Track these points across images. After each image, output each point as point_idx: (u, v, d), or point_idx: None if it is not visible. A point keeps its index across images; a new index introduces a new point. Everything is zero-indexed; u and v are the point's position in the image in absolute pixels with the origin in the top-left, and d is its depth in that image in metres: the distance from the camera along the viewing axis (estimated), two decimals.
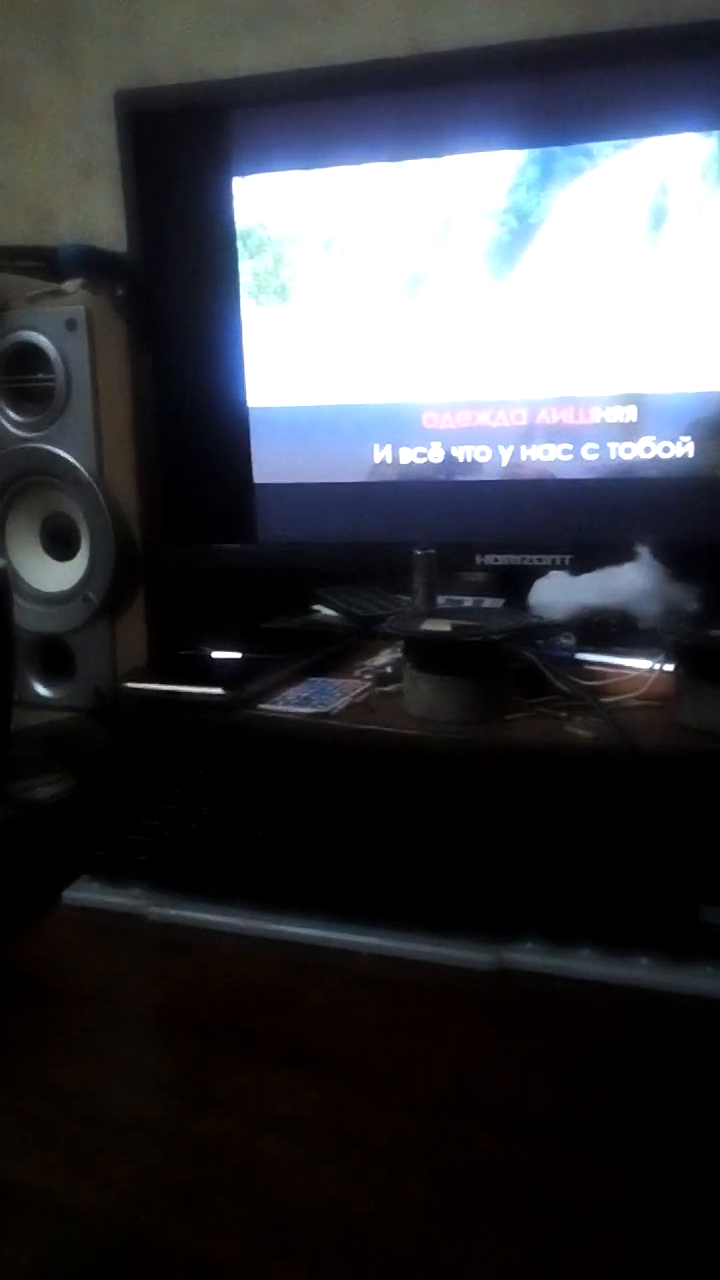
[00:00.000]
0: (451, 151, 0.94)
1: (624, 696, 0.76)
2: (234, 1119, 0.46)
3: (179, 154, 1.02)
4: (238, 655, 0.91)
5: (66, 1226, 0.41)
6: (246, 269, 1.02)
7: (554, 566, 0.93)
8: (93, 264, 1.00)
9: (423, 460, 1.00)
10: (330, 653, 0.91)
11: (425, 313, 0.98)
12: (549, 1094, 0.47)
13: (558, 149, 0.91)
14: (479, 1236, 0.39)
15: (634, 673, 0.78)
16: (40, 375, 0.95)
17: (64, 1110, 0.47)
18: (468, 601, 0.95)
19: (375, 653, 0.90)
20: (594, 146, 0.90)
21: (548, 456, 0.97)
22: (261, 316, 1.02)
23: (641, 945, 0.54)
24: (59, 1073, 0.50)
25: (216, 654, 0.92)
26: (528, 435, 0.97)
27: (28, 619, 0.97)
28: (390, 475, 1.02)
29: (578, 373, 0.95)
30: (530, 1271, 0.37)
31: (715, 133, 0.87)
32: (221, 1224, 0.40)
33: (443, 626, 0.77)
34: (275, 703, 0.79)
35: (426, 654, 0.76)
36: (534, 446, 0.97)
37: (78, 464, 0.94)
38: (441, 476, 1.00)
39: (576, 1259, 0.38)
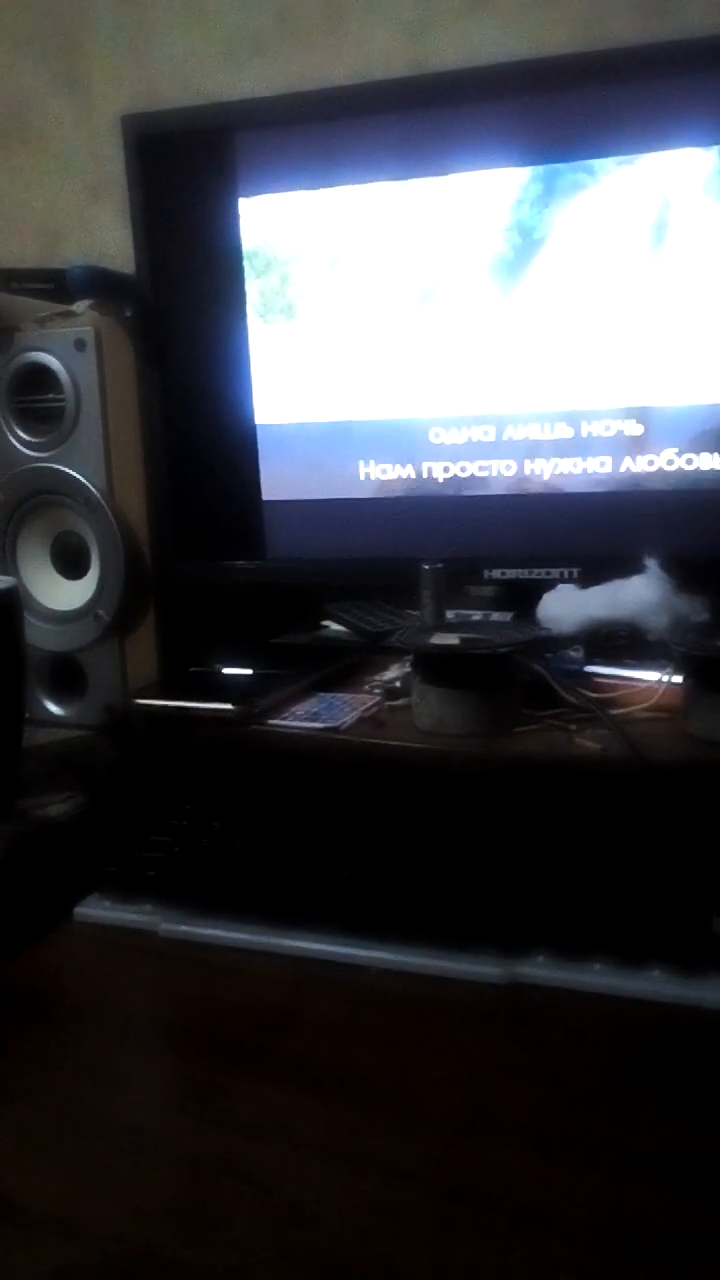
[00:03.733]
0: (455, 170, 0.95)
1: (633, 708, 0.76)
2: (243, 1135, 0.46)
3: (185, 175, 1.03)
4: (248, 671, 0.91)
5: (75, 1242, 0.41)
6: (253, 288, 1.02)
7: (562, 580, 0.93)
8: (101, 285, 1.01)
9: (430, 475, 1.01)
10: (339, 668, 0.91)
11: (431, 329, 0.98)
12: (560, 1109, 0.46)
13: (560, 165, 0.92)
14: (488, 1252, 0.39)
15: (643, 685, 0.78)
16: (50, 395, 0.96)
17: (73, 1126, 0.47)
18: (476, 616, 0.95)
19: (384, 667, 0.90)
20: (596, 163, 0.91)
21: (555, 470, 0.97)
22: (268, 335, 1.03)
23: (653, 958, 0.54)
24: (69, 1088, 0.50)
25: (226, 670, 0.92)
26: (534, 450, 0.97)
27: (39, 637, 0.97)
28: (398, 491, 1.02)
29: (584, 387, 0.95)
30: None
31: (716, 147, 0.88)
32: (230, 1240, 0.40)
33: (451, 640, 0.78)
34: (285, 718, 0.80)
35: (435, 668, 0.76)
36: (540, 461, 0.97)
37: (88, 483, 0.95)
38: (449, 491, 1.00)
39: (590, 1274, 0.38)
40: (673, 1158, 0.43)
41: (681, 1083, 0.48)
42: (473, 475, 0.99)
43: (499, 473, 0.99)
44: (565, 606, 0.87)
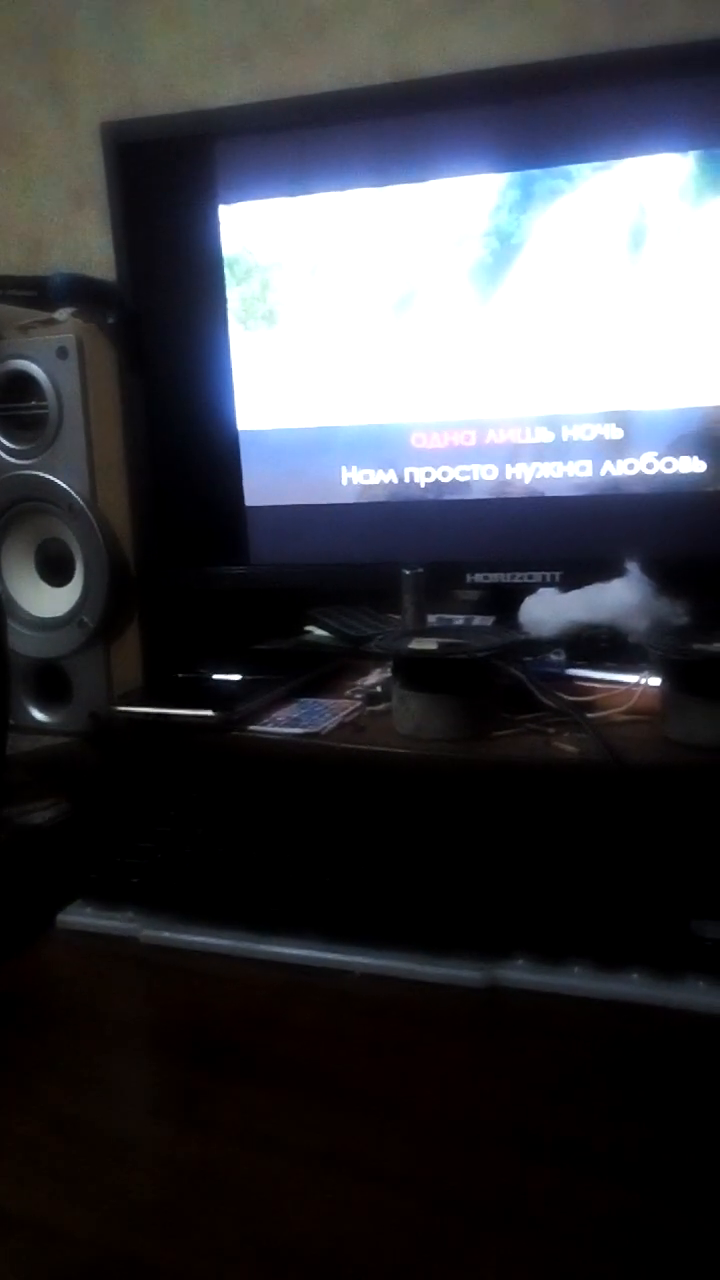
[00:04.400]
0: (434, 176, 0.95)
1: (611, 711, 0.76)
2: (226, 1141, 0.46)
3: (166, 183, 1.03)
4: (231, 677, 0.91)
5: (57, 1249, 0.41)
6: (234, 295, 1.03)
7: (543, 584, 0.93)
8: (83, 292, 1.01)
9: (412, 480, 1.01)
10: (321, 673, 0.91)
11: (411, 334, 0.99)
12: (541, 1112, 0.46)
13: (538, 171, 0.92)
14: (470, 1257, 0.39)
15: (622, 688, 0.78)
16: (33, 403, 0.96)
17: (55, 1133, 0.47)
18: (458, 620, 0.95)
19: (366, 672, 0.90)
20: (574, 168, 0.91)
21: (536, 475, 0.98)
22: (250, 341, 1.03)
23: (633, 960, 0.54)
24: (51, 1096, 0.50)
25: (210, 676, 0.92)
26: (515, 454, 0.98)
27: (23, 644, 0.98)
28: (380, 496, 1.02)
29: (564, 391, 0.96)
30: None
31: (693, 153, 0.88)
32: (212, 1246, 0.40)
33: (430, 645, 0.78)
34: (266, 724, 0.80)
35: (414, 673, 0.77)
36: (521, 465, 0.98)
37: (71, 490, 0.95)
38: (430, 496, 1.01)
39: (570, 1278, 0.38)
40: (654, 1160, 0.43)
41: (662, 1085, 0.48)
42: (454, 480, 1.00)
43: (480, 477, 0.99)
44: (547, 610, 0.88)
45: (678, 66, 0.88)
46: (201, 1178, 0.44)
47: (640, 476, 0.95)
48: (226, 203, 1.01)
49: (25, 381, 0.96)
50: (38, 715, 1.00)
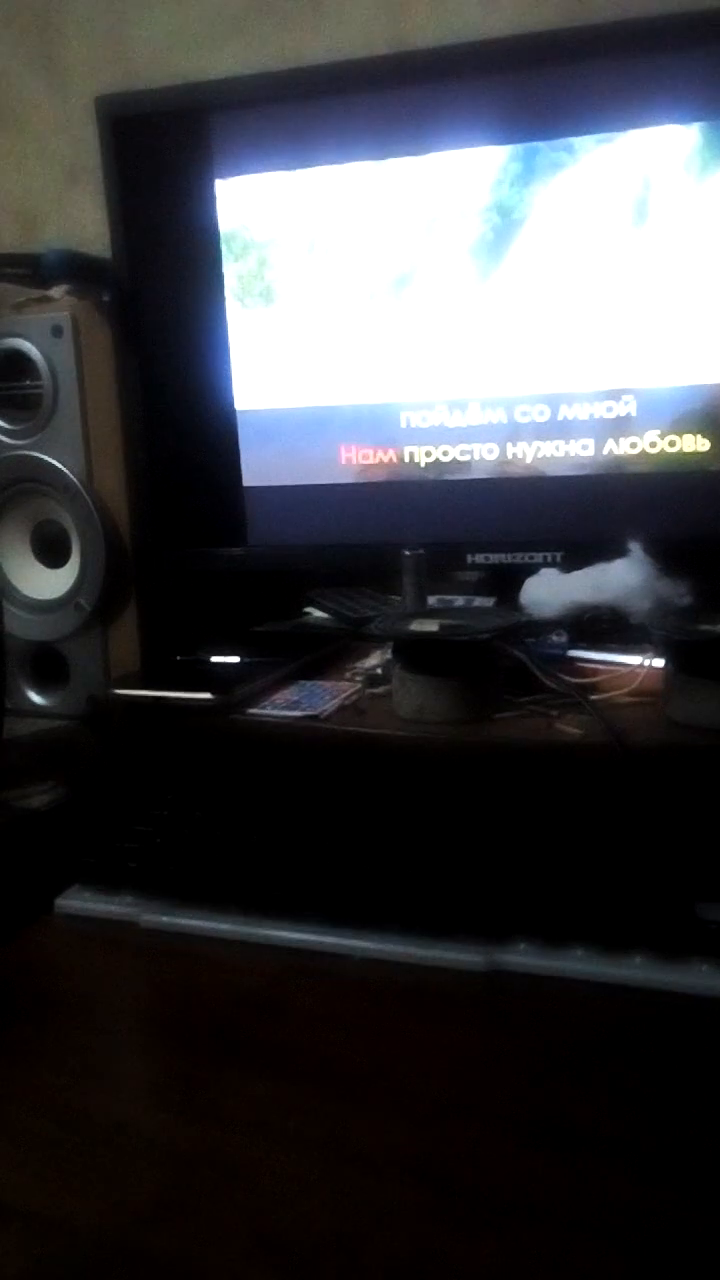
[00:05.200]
0: (434, 149, 0.94)
1: (614, 693, 0.75)
2: (225, 1127, 0.46)
3: (162, 157, 1.02)
4: (229, 659, 0.90)
5: (54, 1237, 0.40)
6: (231, 272, 1.02)
7: (545, 564, 0.93)
8: (78, 269, 1.00)
9: (411, 460, 1.00)
10: (321, 655, 0.91)
11: (412, 311, 0.97)
12: (544, 1097, 0.46)
13: (540, 144, 0.91)
14: (474, 1244, 0.39)
15: (625, 669, 0.78)
16: (27, 382, 0.95)
17: (54, 1119, 0.47)
18: (459, 601, 0.94)
19: (366, 654, 0.89)
20: (576, 141, 0.90)
21: (537, 454, 0.97)
22: (247, 319, 1.02)
23: (636, 944, 0.54)
24: (49, 1081, 0.50)
25: (208, 659, 0.92)
26: (516, 433, 0.97)
27: (19, 627, 0.97)
28: (380, 476, 1.01)
29: (566, 369, 0.94)
30: (526, 1277, 0.37)
31: (696, 124, 0.87)
32: (212, 1234, 0.40)
33: (430, 627, 0.77)
34: (265, 707, 0.79)
35: (415, 655, 0.76)
36: (523, 444, 0.97)
37: (67, 470, 0.94)
38: (431, 476, 1.00)
39: (572, 1264, 0.38)
40: (656, 1144, 0.43)
41: (665, 1069, 0.48)
42: (454, 459, 0.99)
43: (481, 457, 0.98)
44: (548, 591, 0.87)
45: (681, 37, 0.87)
46: (201, 1165, 0.43)
47: (643, 455, 0.94)
48: (223, 177, 1.00)
49: (19, 360, 0.95)
50: (35, 698, 1.00)
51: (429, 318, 0.97)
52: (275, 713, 0.78)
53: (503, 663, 0.76)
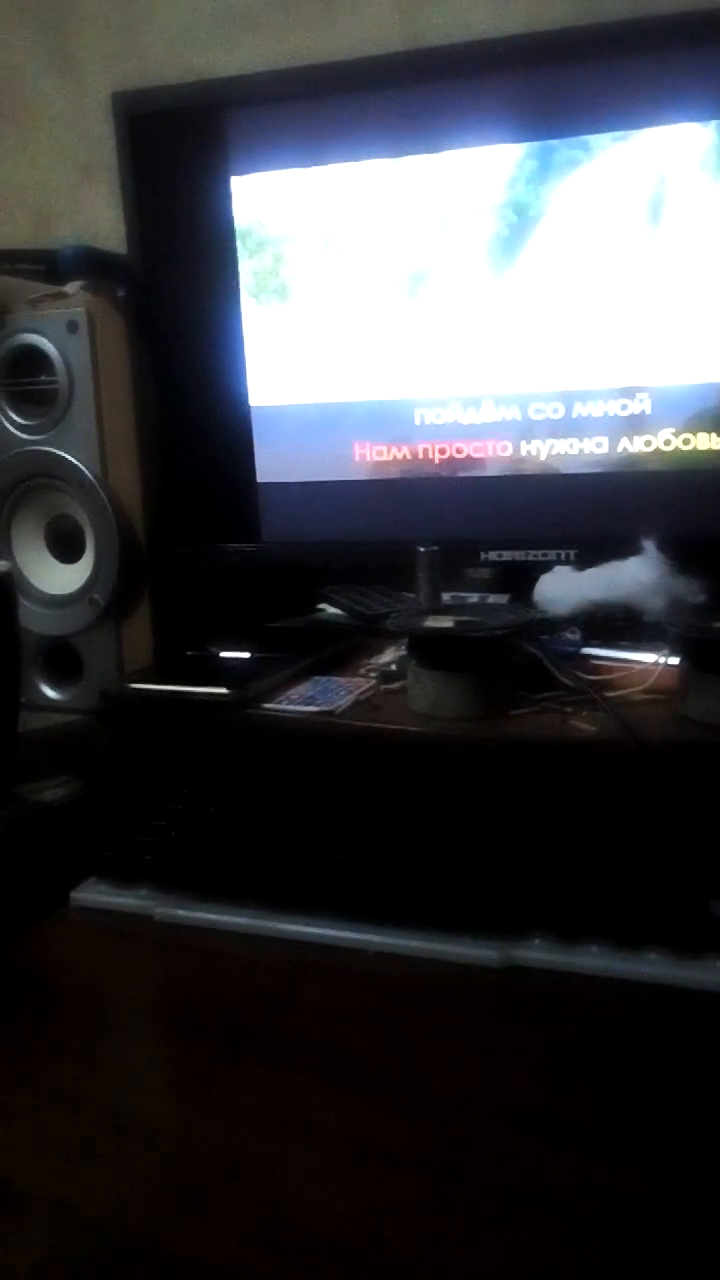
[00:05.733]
0: (449, 147, 0.94)
1: (629, 690, 0.75)
2: (238, 1120, 0.46)
3: (177, 154, 1.02)
4: (243, 655, 0.91)
5: (70, 1229, 0.41)
6: (246, 268, 1.02)
7: (559, 561, 0.92)
8: (93, 265, 1.00)
9: (425, 457, 1.00)
10: (335, 651, 0.91)
11: (427, 309, 0.97)
12: (558, 1092, 0.46)
13: (555, 142, 0.91)
14: (486, 1237, 0.39)
15: (639, 667, 0.78)
16: (43, 378, 0.95)
17: (69, 1112, 0.47)
18: (473, 598, 0.94)
19: (380, 650, 0.89)
20: (592, 139, 0.90)
21: (551, 451, 0.96)
22: (262, 315, 1.02)
23: (650, 940, 0.54)
24: (65, 1074, 0.50)
25: (222, 654, 0.92)
26: (530, 430, 0.97)
27: (34, 621, 0.97)
28: (394, 472, 1.01)
29: (581, 366, 0.94)
30: (537, 1272, 0.37)
31: (713, 122, 0.87)
32: (227, 1227, 0.40)
33: (446, 623, 0.77)
34: (280, 702, 0.79)
35: (430, 651, 0.76)
36: (537, 441, 0.97)
37: (81, 466, 0.94)
38: (445, 473, 1.00)
39: (586, 1259, 0.38)
40: (671, 1140, 0.43)
41: (679, 1065, 0.48)
42: (468, 456, 0.99)
43: (495, 454, 0.98)
44: (562, 588, 0.87)
45: (698, 34, 0.86)
46: (216, 1158, 0.44)
47: (657, 453, 0.93)
48: (238, 174, 1.00)
49: (35, 356, 0.95)
50: (49, 693, 1.00)
51: (443, 315, 0.97)
52: (290, 708, 0.78)
53: (518, 659, 0.76)
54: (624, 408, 0.94)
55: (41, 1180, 0.43)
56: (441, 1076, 0.48)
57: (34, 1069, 0.50)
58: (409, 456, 1.01)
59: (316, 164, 0.98)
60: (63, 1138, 0.46)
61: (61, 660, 0.99)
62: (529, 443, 0.97)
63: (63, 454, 0.95)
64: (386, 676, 0.83)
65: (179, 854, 0.66)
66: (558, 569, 0.89)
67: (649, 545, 0.84)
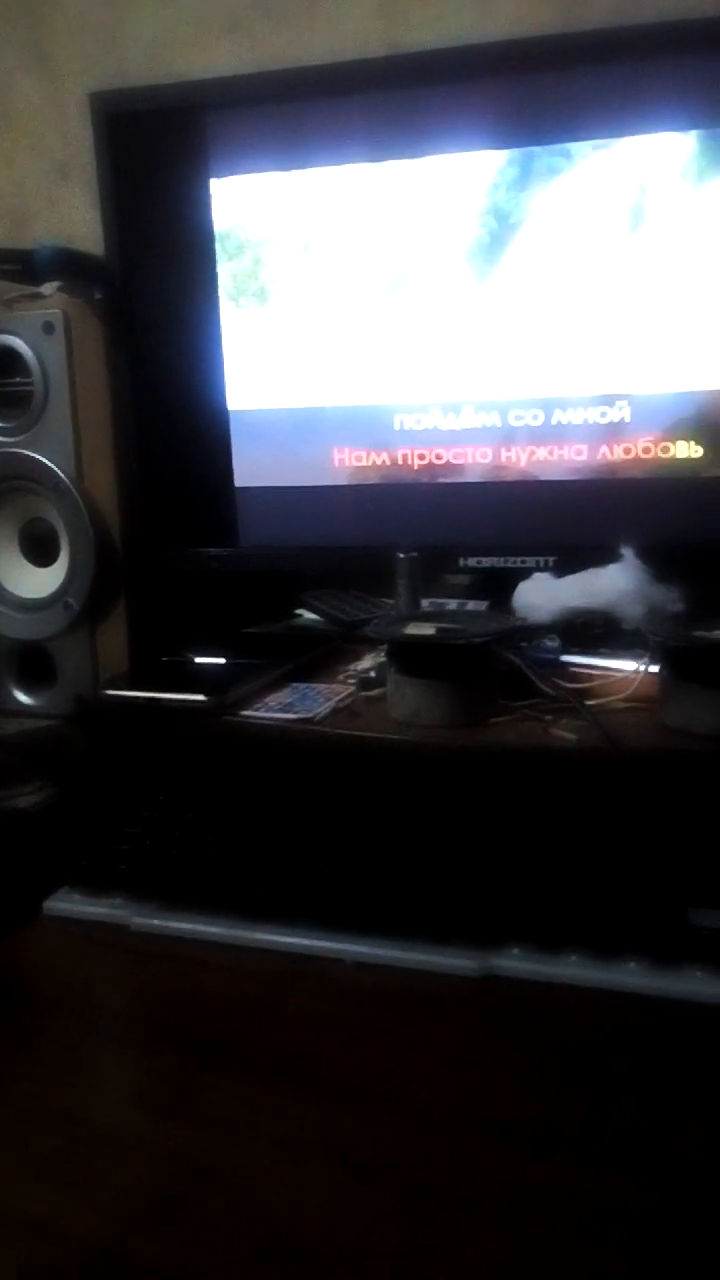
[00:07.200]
0: (430, 152, 0.94)
1: (609, 698, 0.75)
2: (217, 1131, 0.45)
3: (156, 156, 1.01)
4: (220, 661, 0.90)
5: (46, 1243, 0.40)
6: (225, 271, 1.01)
7: (538, 568, 0.93)
8: (70, 266, 0.99)
9: (405, 462, 1.00)
10: (313, 657, 0.90)
11: (406, 314, 0.97)
12: (536, 1102, 0.46)
13: (537, 149, 0.91)
14: (468, 1248, 0.38)
15: (619, 674, 0.78)
16: (18, 379, 0.94)
17: (45, 1124, 0.46)
18: (452, 604, 0.94)
19: (359, 657, 0.89)
20: (573, 146, 0.90)
21: (531, 458, 0.96)
22: (241, 319, 1.02)
23: (629, 950, 0.54)
24: (40, 1086, 0.49)
25: (199, 660, 0.91)
26: (510, 436, 0.97)
27: (7, 626, 0.96)
28: (373, 478, 1.01)
29: (560, 373, 0.94)
30: None
31: (694, 131, 0.87)
32: (206, 1239, 0.39)
33: (426, 630, 0.77)
34: (258, 709, 0.79)
35: (410, 658, 0.76)
36: (516, 448, 0.97)
37: (57, 469, 0.93)
38: (424, 479, 1.00)
39: (569, 1268, 0.37)
40: (649, 1149, 0.43)
41: (658, 1075, 0.48)
42: (448, 462, 0.99)
43: (474, 460, 0.98)
44: (541, 595, 0.87)
45: (678, 43, 0.87)
46: (194, 1170, 0.43)
47: (636, 461, 0.94)
48: (218, 176, 0.99)
49: (10, 357, 0.94)
50: (22, 698, 0.99)
51: (424, 320, 0.97)
52: (269, 715, 0.77)
53: (498, 667, 0.76)
54: (604, 415, 0.94)
55: (14, 1191, 0.42)
56: (421, 1087, 0.47)
57: (6, 1080, 0.50)
58: (388, 462, 1.00)
59: (297, 167, 0.97)
60: (37, 1150, 0.45)
61: (35, 665, 0.98)
62: (509, 449, 0.97)
63: (37, 456, 0.94)
64: (366, 683, 0.82)
65: (155, 862, 0.65)
66: (537, 576, 0.90)
67: (628, 552, 0.85)
